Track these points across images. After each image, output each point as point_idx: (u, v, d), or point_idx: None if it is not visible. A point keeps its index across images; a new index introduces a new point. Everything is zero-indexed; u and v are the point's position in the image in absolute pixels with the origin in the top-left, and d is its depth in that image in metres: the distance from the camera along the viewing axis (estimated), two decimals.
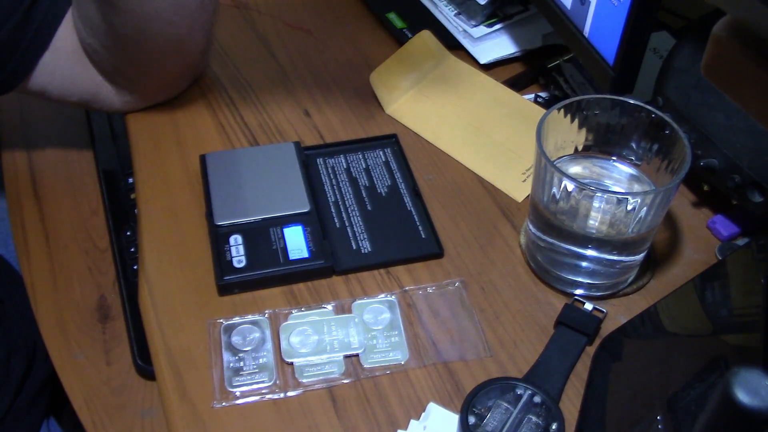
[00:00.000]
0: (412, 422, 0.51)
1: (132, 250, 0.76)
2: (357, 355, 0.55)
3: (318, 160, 0.69)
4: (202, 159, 0.67)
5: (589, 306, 0.57)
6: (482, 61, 0.79)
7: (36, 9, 0.65)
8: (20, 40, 0.65)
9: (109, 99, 0.72)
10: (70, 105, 0.73)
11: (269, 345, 0.55)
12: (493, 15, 0.82)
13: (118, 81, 0.71)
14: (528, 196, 0.66)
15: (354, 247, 0.61)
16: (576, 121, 0.57)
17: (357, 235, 0.62)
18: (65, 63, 0.69)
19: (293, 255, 0.60)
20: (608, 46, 0.62)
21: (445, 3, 0.84)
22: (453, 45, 0.80)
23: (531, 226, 0.59)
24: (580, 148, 0.59)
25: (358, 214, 0.64)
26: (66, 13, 0.68)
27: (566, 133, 0.58)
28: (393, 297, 0.59)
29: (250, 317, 0.57)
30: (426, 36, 0.77)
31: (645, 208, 0.52)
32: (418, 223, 0.63)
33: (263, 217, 0.62)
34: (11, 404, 0.71)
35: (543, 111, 0.68)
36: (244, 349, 0.55)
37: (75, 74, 0.70)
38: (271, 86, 0.77)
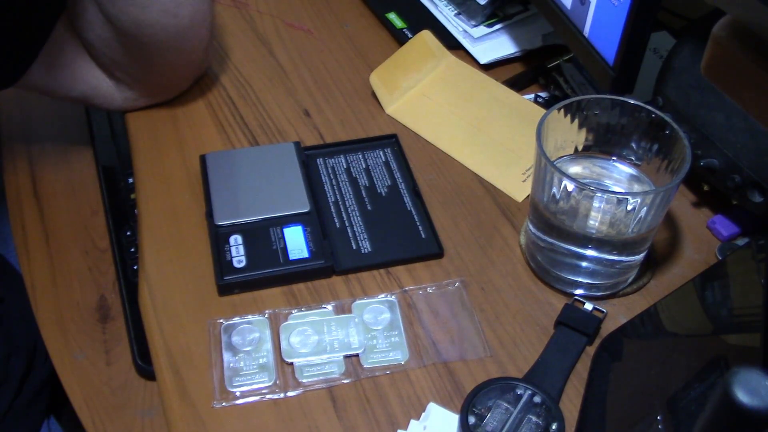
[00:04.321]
0: (412, 422, 0.51)
1: (132, 250, 0.76)
2: (357, 355, 0.55)
3: (318, 160, 0.69)
4: (202, 159, 0.67)
5: (589, 306, 0.57)
6: (482, 61, 0.79)
7: (35, 2, 0.65)
8: (20, 33, 0.65)
9: (110, 95, 0.71)
10: (70, 101, 0.73)
11: (269, 345, 0.55)
12: (493, 15, 0.82)
13: (117, 76, 0.70)
14: (528, 196, 0.66)
15: (354, 247, 0.61)
16: (576, 121, 0.57)
17: (357, 235, 0.62)
18: (65, 57, 0.68)
19: (293, 255, 0.60)
20: (608, 46, 0.62)
21: (445, 3, 0.84)
22: (453, 45, 0.80)
23: (531, 226, 0.59)
24: (580, 148, 0.59)
25: (358, 214, 0.64)
26: (66, 5, 0.67)
27: (566, 133, 0.58)
28: (393, 297, 0.59)
29: (250, 317, 0.57)
30: (426, 36, 0.77)
31: (645, 208, 0.52)
32: (418, 223, 0.63)
33: (263, 217, 0.62)
34: (11, 404, 0.71)
35: (543, 111, 0.68)
36: (244, 349, 0.55)
37: (75, 68, 0.69)
38: (271, 86, 0.77)
